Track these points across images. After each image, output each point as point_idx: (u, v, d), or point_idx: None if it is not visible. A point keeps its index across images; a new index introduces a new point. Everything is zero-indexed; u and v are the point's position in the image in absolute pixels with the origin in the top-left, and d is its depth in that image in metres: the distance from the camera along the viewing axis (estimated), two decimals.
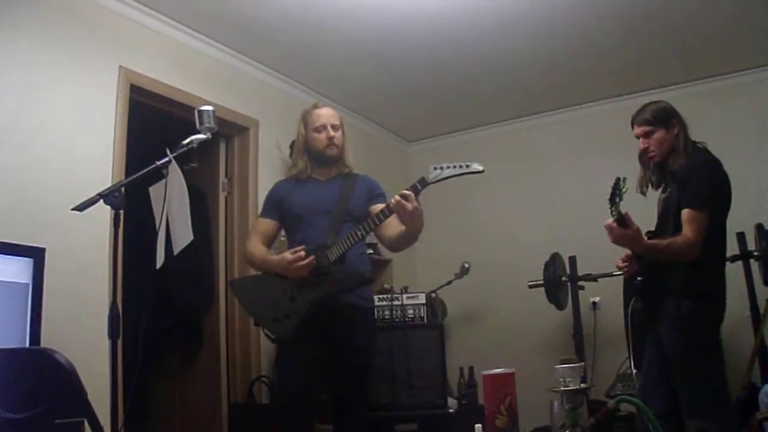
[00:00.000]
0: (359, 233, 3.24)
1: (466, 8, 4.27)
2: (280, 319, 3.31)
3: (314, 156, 3.57)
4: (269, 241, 3.59)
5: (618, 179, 2.82)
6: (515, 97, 5.83)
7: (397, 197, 3.05)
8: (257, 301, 3.47)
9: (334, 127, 3.55)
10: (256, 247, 3.51)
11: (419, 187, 3.10)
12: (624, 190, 2.79)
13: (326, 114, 3.58)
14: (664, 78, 5.44)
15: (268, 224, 3.59)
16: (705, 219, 2.96)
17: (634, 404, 2.70)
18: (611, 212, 2.82)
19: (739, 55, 5.15)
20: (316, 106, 3.64)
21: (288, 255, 3.28)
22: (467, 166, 3.09)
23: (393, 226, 3.30)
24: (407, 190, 3.07)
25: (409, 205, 3.03)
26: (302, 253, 3.26)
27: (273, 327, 3.36)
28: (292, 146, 4.09)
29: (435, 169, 3.10)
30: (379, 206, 3.36)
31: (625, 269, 3.30)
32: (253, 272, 3.79)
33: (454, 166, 3.08)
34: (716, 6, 4.31)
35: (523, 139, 6.32)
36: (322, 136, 3.52)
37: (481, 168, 3.10)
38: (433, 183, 3.10)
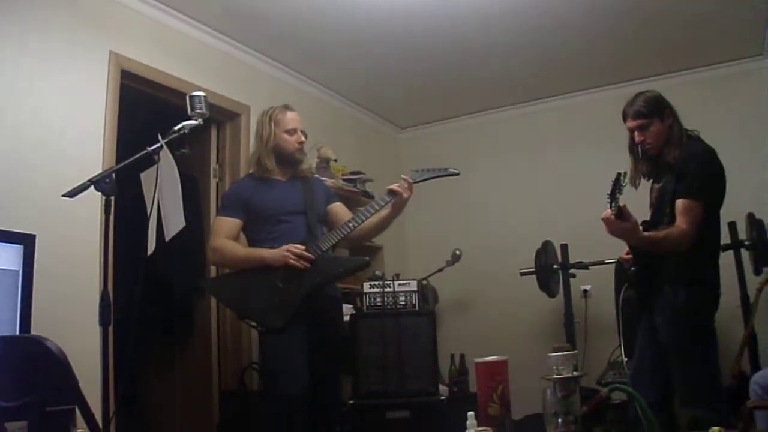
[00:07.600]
0: (351, 224, 3.49)
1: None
2: (269, 309, 3.37)
3: (281, 157, 3.62)
4: (234, 240, 3.58)
5: (619, 174, 2.77)
6: (507, 84, 5.83)
7: (404, 183, 3.47)
8: (241, 295, 3.49)
9: (302, 132, 3.65)
10: (230, 243, 3.51)
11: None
12: (624, 184, 2.77)
13: (296, 118, 3.66)
14: (656, 68, 5.46)
15: (234, 223, 3.57)
16: (700, 209, 2.95)
17: (627, 392, 2.70)
18: (611, 207, 2.78)
19: (727, 47, 5.20)
20: (287, 108, 3.67)
21: (290, 246, 3.37)
22: (445, 169, 3.65)
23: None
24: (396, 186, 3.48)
25: (407, 193, 3.48)
26: (302, 246, 3.39)
27: (263, 318, 3.41)
28: None
29: (416, 171, 3.60)
30: (337, 204, 3.78)
31: (630, 260, 3.28)
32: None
33: (433, 170, 3.63)
34: None
35: (515, 127, 6.31)
36: (293, 138, 3.61)
37: (457, 171, 3.67)
38: (417, 183, 3.56)
